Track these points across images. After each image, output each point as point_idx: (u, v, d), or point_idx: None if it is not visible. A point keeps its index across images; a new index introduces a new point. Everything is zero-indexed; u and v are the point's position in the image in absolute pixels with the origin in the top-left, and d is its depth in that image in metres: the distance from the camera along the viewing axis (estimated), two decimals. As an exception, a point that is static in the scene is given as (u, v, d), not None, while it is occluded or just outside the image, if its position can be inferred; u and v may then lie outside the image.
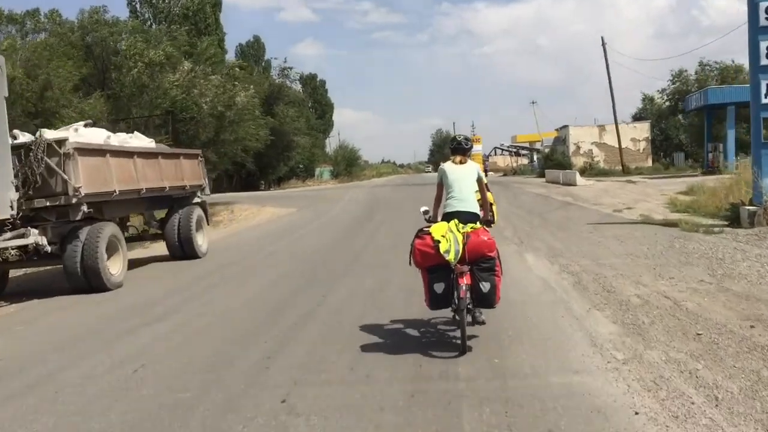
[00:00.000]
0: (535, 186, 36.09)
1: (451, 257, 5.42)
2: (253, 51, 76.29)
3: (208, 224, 13.57)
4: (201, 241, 12.64)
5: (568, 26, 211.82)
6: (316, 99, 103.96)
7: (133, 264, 12.36)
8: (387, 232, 16.96)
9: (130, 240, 12.43)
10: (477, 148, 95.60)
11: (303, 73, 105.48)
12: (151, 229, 12.35)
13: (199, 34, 55.53)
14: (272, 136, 54.99)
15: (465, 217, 5.82)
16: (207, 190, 13.49)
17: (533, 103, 76.45)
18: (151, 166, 10.81)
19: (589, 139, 52.52)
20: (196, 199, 13.04)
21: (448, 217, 5.90)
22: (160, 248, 13.42)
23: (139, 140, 11.29)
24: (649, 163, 51.53)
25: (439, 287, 5.62)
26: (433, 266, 5.62)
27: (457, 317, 5.82)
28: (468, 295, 5.51)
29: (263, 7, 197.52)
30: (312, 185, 70.48)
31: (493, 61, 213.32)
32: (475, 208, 6.03)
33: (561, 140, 55.97)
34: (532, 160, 74.46)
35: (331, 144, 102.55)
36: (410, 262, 5.83)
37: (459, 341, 5.64)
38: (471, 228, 5.67)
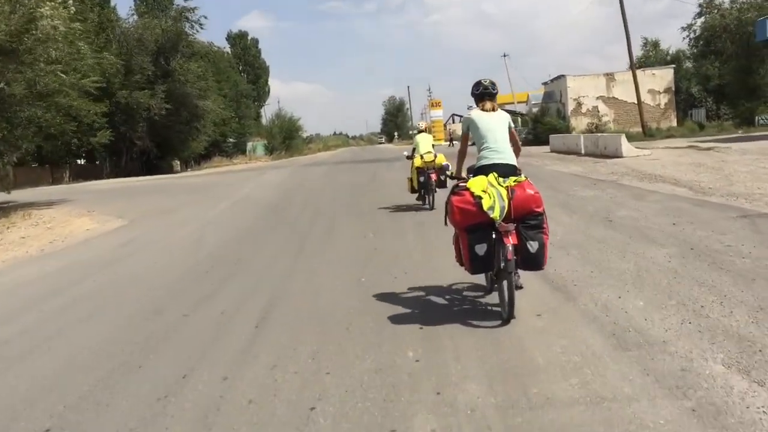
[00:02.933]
0: (552, 161, 23.02)
1: (495, 214, 4.68)
2: (158, -3, 60.88)
3: None
4: None
5: None
6: (247, 61, 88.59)
7: None
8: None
9: None
10: (437, 114, 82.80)
11: (231, 30, 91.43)
12: None
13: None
14: (168, 103, 40.71)
15: (503, 170, 5.00)
16: None
17: (505, 56, 63.03)
18: None
19: (594, 92, 39.69)
20: None
21: (483, 171, 5.06)
22: None
23: None
24: (673, 122, 39.12)
25: (481, 249, 4.81)
26: (473, 225, 4.80)
27: (497, 281, 5.02)
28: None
29: None
30: (239, 163, 56.53)
31: (444, 29, 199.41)
32: (514, 160, 5.18)
33: (553, 97, 43.02)
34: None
35: (267, 114, 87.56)
36: (446, 222, 5.13)
37: (497, 308, 5.01)
38: (514, 181, 4.87)
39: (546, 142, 35.94)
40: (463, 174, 5.47)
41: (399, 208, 12.75)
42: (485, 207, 4.69)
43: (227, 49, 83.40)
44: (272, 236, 10.36)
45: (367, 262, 7.57)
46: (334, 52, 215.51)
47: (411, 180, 12.32)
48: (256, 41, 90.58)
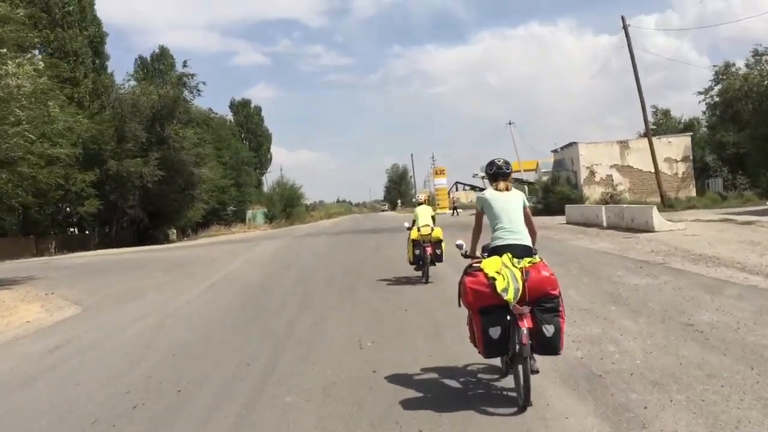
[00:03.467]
0: (574, 234, 20.71)
1: (509, 297, 4.54)
2: (158, 65, 60.29)
3: None
4: None
5: (514, 66, 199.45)
6: (249, 128, 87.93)
7: None
8: None
9: None
10: (441, 182, 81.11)
11: (234, 98, 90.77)
12: None
13: (53, 25, 39.66)
14: (162, 170, 38.81)
15: (518, 252, 4.85)
16: None
17: (510, 123, 61.71)
18: None
19: (607, 161, 37.84)
20: None
21: (497, 251, 4.92)
22: None
23: None
24: (692, 191, 37.07)
25: (495, 332, 4.65)
26: (486, 307, 4.65)
27: (512, 366, 4.81)
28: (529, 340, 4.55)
29: (217, 51, 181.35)
30: (237, 232, 54.49)
31: (447, 100, 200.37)
32: (529, 241, 5.04)
33: (564, 165, 41.19)
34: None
35: (269, 181, 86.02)
36: (459, 303, 4.95)
37: (512, 393, 4.82)
38: (529, 262, 4.73)
39: (557, 212, 33.90)
40: (478, 253, 5.30)
41: (399, 280, 12.25)
42: (499, 289, 4.56)
43: (229, 116, 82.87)
44: (239, 341, 7.94)
45: (362, 399, 5.17)
46: (338, 121, 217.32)
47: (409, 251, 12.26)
48: (258, 109, 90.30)
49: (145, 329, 9.31)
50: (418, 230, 11.81)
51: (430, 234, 11.72)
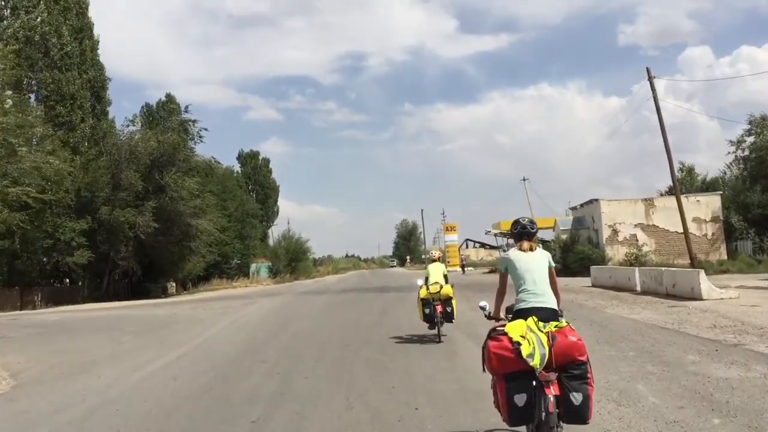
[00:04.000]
0: (607, 301, 18.21)
1: (535, 362, 4.28)
2: (163, 113, 59.06)
3: None
4: None
5: (523, 125, 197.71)
6: (257, 180, 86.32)
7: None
8: None
9: None
10: (452, 238, 78.75)
11: (242, 149, 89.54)
12: None
13: (51, 66, 38.39)
14: (156, 221, 36.81)
15: (544, 315, 4.63)
16: None
17: (525, 180, 59.71)
18: None
19: (631, 219, 35.46)
20: None
21: (521, 314, 4.72)
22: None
23: None
24: (723, 254, 34.51)
25: (520, 399, 4.39)
26: (511, 373, 4.40)
27: None
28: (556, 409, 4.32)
29: (231, 106, 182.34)
30: (238, 287, 52.21)
31: (457, 157, 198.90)
32: (554, 304, 4.82)
33: (584, 223, 38.84)
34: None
35: (275, 234, 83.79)
36: (484, 369, 4.69)
37: None
38: (555, 327, 4.47)
39: (578, 273, 31.69)
40: (502, 314, 5.14)
41: (408, 351, 10.71)
42: (524, 354, 4.30)
43: (237, 167, 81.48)
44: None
45: None
46: (349, 176, 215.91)
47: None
48: (267, 161, 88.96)
49: (62, 427, 6.88)
50: (427, 288, 11.59)
51: (439, 292, 11.47)
